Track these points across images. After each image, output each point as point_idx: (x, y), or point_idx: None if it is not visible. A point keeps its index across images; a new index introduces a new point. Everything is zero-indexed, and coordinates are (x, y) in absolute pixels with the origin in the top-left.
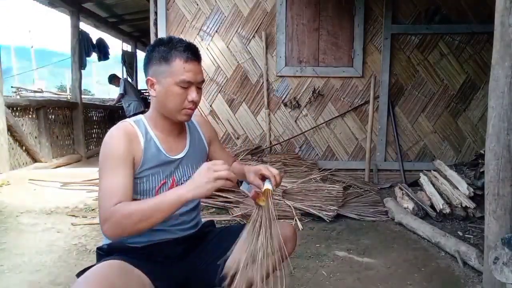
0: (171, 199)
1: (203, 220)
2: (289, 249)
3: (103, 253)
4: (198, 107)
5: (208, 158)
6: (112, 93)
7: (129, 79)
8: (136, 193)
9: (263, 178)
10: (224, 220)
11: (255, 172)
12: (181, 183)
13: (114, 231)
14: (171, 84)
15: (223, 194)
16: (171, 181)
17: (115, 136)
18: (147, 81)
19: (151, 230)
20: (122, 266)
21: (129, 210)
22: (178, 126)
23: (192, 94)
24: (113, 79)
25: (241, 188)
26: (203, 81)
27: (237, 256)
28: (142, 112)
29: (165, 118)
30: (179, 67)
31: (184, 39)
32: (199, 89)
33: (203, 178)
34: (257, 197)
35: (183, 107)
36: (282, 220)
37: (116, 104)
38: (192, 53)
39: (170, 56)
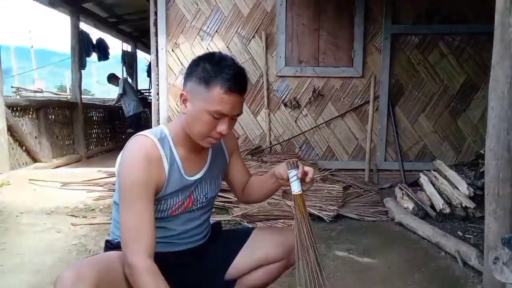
0: None
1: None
2: (294, 259)
3: (111, 247)
4: None
5: (227, 170)
6: (112, 93)
7: (129, 79)
8: None
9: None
10: (224, 220)
11: (284, 166)
12: (197, 200)
13: (129, 278)
14: (203, 111)
15: (224, 194)
16: (188, 200)
17: (138, 161)
18: (180, 95)
19: (158, 242)
20: (122, 256)
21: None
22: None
23: (222, 127)
24: (111, 78)
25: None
26: (240, 114)
27: (241, 262)
28: (141, 113)
29: (190, 137)
30: (217, 96)
31: (236, 63)
32: (232, 120)
33: None
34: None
35: (208, 135)
36: (282, 220)
37: (116, 104)
38: (238, 84)
39: (212, 81)
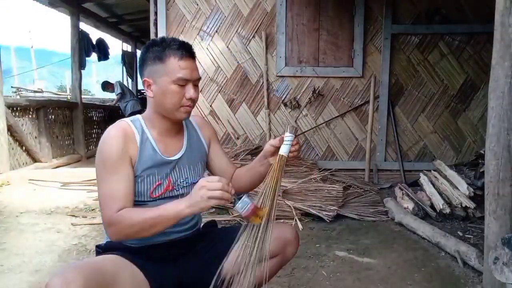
0: (170, 214)
1: (204, 220)
2: (290, 253)
3: (100, 250)
4: (198, 107)
5: (208, 160)
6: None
7: (129, 80)
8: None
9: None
10: (224, 220)
11: (272, 142)
12: (177, 184)
13: (118, 237)
14: (168, 83)
15: None
16: (167, 182)
17: (112, 137)
18: (143, 82)
19: None
20: (116, 258)
21: (131, 221)
22: (176, 127)
23: (190, 92)
24: (106, 86)
25: (234, 207)
26: (199, 78)
27: (234, 259)
28: (140, 112)
29: (162, 118)
30: (175, 65)
31: (177, 38)
32: (196, 86)
33: (197, 196)
34: (251, 216)
35: (181, 104)
36: (282, 220)
37: (116, 104)
38: (186, 50)
39: (164, 55)
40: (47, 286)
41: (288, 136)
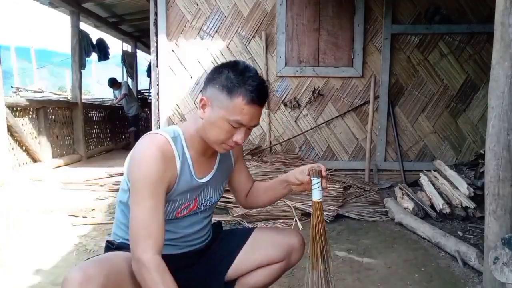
0: None
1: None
2: (295, 260)
3: (112, 247)
4: (198, 107)
5: (230, 175)
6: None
7: (129, 80)
8: None
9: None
10: (224, 220)
11: (300, 171)
12: (201, 203)
13: (136, 275)
14: (222, 119)
15: (223, 194)
16: (193, 203)
17: (152, 156)
18: (200, 100)
19: None
20: (128, 256)
21: (151, 283)
22: (212, 149)
23: (239, 136)
24: (114, 83)
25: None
26: (257, 125)
27: (242, 263)
28: (140, 114)
29: (203, 140)
30: (239, 106)
31: (259, 75)
32: (248, 130)
33: None
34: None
35: (224, 142)
36: (282, 221)
37: (117, 104)
38: (260, 97)
39: (235, 91)
40: (66, 279)
41: (315, 181)
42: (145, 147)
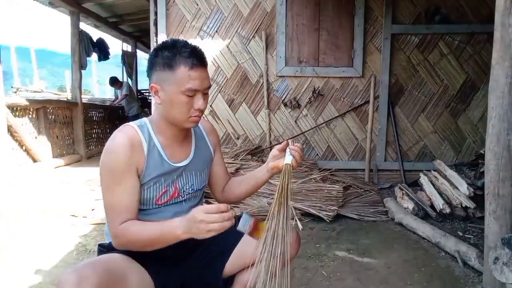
0: (169, 237)
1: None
2: (290, 255)
3: (104, 250)
4: None
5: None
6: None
7: (128, 80)
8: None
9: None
10: None
11: (277, 149)
12: (183, 191)
13: (122, 248)
14: (176, 93)
15: None
16: (173, 189)
17: (118, 144)
18: (150, 88)
19: None
20: (124, 257)
21: (133, 237)
22: (184, 133)
23: (198, 102)
24: (114, 82)
25: (237, 228)
26: (209, 87)
27: (237, 259)
28: (140, 114)
29: (170, 124)
30: (184, 74)
31: (189, 42)
32: (205, 95)
33: (196, 229)
34: (254, 232)
35: (189, 115)
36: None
37: (117, 104)
38: (198, 58)
39: (175, 63)
40: (60, 282)
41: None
42: (112, 137)
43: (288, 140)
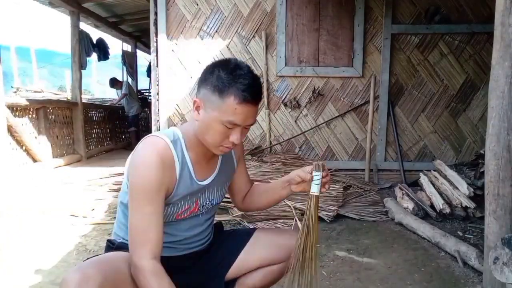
0: None
1: None
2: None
3: (112, 246)
4: None
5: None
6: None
7: (129, 80)
8: None
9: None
10: (224, 220)
11: (303, 169)
12: (203, 206)
13: (134, 278)
14: (216, 120)
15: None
16: (194, 205)
17: (151, 162)
18: (193, 102)
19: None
20: (127, 256)
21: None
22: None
23: (235, 136)
24: (114, 83)
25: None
26: (253, 123)
27: (242, 263)
28: (140, 113)
29: (202, 143)
30: (231, 106)
31: (250, 71)
32: (245, 129)
33: None
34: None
35: (221, 144)
36: (282, 220)
37: (117, 104)
38: (252, 95)
39: (226, 90)
40: (64, 281)
41: (316, 175)
42: (145, 153)
43: (320, 164)
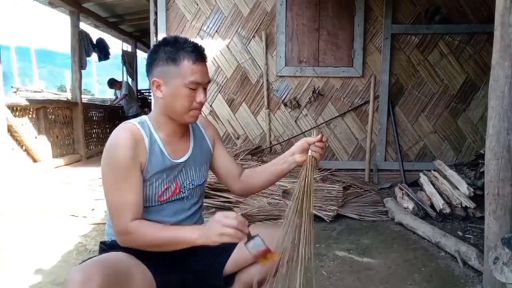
0: (183, 241)
1: (206, 219)
2: None
3: (106, 247)
4: None
5: (212, 160)
6: (110, 92)
7: (129, 79)
8: None
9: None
10: None
11: (307, 142)
12: (184, 187)
13: (129, 245)
14: (180, 86)
15: (223, 194)
16: (174, 185)
17: (121, 141)
18: (152, 82)
19: None
20: (127, 256)
21: (145, 237)
22: (182, 128)
23: (200, 95)
24: (113, 83)
25: (245, 245)
26: (209, 81)
27: (238, 257)
28: (139, 113)
29: (169, 120)
30: (188, 68)
31: (190, 39)
32: (205, 90)
33: (211, 230)
34: (261, 256)
35: (190, 108)
36: (282, 220)
37: (117, 104)
38: (200, 54)
39: (178, 57)
40: (66, 280)
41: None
42: (114, 134)
43: (321, 135)
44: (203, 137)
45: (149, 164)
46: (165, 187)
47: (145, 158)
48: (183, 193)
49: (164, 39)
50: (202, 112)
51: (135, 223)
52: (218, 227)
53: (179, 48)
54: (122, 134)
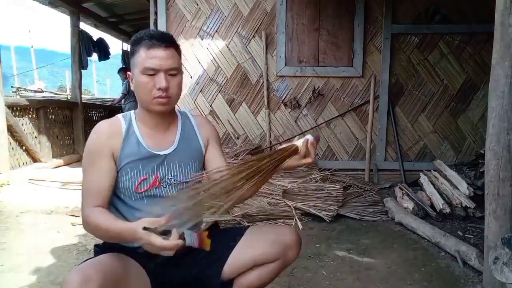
0: (128, 237)
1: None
2: (291, 257)
3: (99, 250)
4: (198, 107)
5: (204, 161)
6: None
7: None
8: (118, 189)
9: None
10: (224, 220)
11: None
12: (165, 181)
13: (89, 232)
14: (138, 75)
15: None
16: (153, 177)
17: (97, 129)
18: (128, 76)
19: None
20: (122, 257)
21: (96, 226)
22: (165, 122)
23: (158, 81)
24: (121, 71)
25: (186, 244)
26: (173, 68)
27: (236, 261)
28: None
29: (148, 112)
30: (142, 55)
31: (155, 30)
32: (172, 76)
33: (150, 248)
34: (202, 243)
35: (152, 96)
36: (282, 220)
37: (117, 104)
38: (158, 39)
39: (137, 47)
40: (65, 281)
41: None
42: (95, 128)
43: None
44: (194, 135)
45: (123, 151)
46: (142, 178)
47: (118, 146)
48: (164, 187)
49: (134, 35)
50: (201, 112)
51: (94, 210)
52: (156, 250)
53: (139, 39)
54: (101, 124)
